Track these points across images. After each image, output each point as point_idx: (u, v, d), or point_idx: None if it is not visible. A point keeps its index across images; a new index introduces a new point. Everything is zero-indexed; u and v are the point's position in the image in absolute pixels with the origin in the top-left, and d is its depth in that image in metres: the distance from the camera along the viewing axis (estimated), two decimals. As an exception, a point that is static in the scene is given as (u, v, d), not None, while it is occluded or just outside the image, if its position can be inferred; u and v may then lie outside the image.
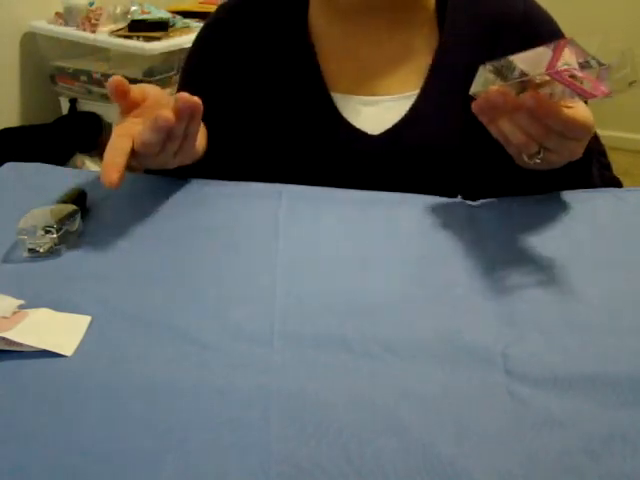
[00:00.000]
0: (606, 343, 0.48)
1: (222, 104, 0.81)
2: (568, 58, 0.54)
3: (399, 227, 0.63)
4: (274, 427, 0.41)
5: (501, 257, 0.58)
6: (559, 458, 0.39)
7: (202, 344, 0.48)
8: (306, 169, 0.76)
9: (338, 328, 0.50)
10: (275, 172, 0.75)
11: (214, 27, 0.84)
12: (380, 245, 0.60)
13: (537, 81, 0.57)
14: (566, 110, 0.57)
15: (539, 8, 0.79)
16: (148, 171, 0.81)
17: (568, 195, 0.68)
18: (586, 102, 0.60)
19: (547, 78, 0.56)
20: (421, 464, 0.39)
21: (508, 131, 0.60)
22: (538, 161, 0.62)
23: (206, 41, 0.85)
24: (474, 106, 0.61)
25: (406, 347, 0.48)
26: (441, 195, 0.69)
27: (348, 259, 0.58)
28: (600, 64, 0.54)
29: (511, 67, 0.59)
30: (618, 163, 0.83)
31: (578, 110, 0.59)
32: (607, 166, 0.81)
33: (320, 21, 0.80)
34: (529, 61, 0.57)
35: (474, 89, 0.63)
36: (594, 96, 0.54)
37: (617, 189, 0.75)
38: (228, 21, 0.82)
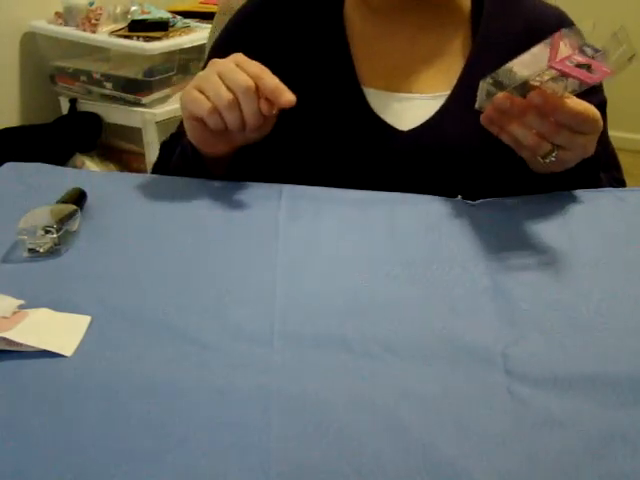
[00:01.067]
0: (606, 343, 0.48)
1: None
2: (564, 50, 0.55)
3: (399, 227, 0.63)
4: (274, 427, 0.41)
5: (501, 257, 0.58)
6: (559, 458, 0.39)
7: (202, 344, 0.48)
8: (332, 160, 0.76)
9: (338, 328, 0.50)
10: (302, 164, 0.75)
11: (247, 18, 0.83)
12: (380, 245, 0.60)
13: (537, 83, 0.57)
14: (572, 103, 0.58)
15: (570, 19, 0.80)
16: (155, 171, 0.81)
17: (568, 195, 0.68)
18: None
19: (546, 78, 0.56)
20: (421, 464, 0.39)
21: (520, 135, 0.61)
22: (553, 159, 0.62)
23: (236, 32, 0.84)
24: (483, 119, 0.62)
25: (406, 347, 0.48)
26: (441, 195, 0.69)
27: (348, 259, 0.58)
28: (595, 50, 0.55)
29: (511, 74, 0.60)
30: (618, 163, 0.84)
31: (584, 103, 0.59)
32: (621, 181, 0.81)
33: (355, 17, 0.80)
34: (527, 64, 0.58)
35: (479, 104, 0.64)
36: (599, 79, 0.55)
37: (617, 189, 0.75)
38: (262, 13, 0.82)
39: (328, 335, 0.49)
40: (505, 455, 0.39)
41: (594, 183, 0.72)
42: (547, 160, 0.62)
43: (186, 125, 0.69)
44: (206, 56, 0.88)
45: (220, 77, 0.64)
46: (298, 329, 0.50)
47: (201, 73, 0.67)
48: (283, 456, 0.39)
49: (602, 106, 0.80)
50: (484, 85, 0.62)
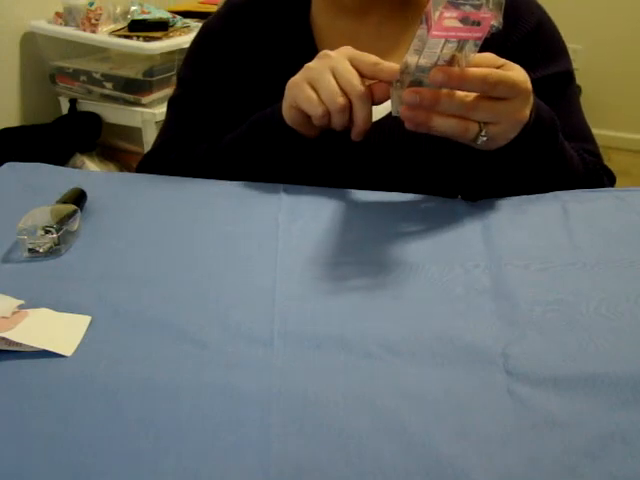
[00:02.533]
0: (606, 343, 0.48)
1: (225, 101, 0.81)
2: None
3: (399, 227, 0.63)
4: (274, 427, 0.41)
5: (501, 257, 0.58)
6: (559, 458, 0.39)
7: (202, 344, 0.48)
8: (304, 162, 0.76)
9: (338, 328, 0.50)
10: (273, 166, 0.75)
11: (217, 25, 0.85)
12: (380, 245, 0.60)
13: (442, 63, 0.56)
14: (475, 69, 0.56)
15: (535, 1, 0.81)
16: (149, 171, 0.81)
17: (568, 195, 0.68)
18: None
19: (447, 53, 0.55)
20: (421, 464, 0.39)
21: (442, 125, 0.59)
22: (484, 138, 0.60)
23: (208, 39, 0.85)
24: (407, 126, 0.60)
25: (406, 347, 0.48)
26: (441, 195, 0.69)
27: (348, 259, 0.58)
28: (474, 5, 0.53)
29: (408, 67, 0.58)
30: (618, 163, 0.84)
31: (500, 69, 0.58)
32: (593, 153, 0.80)
33: (322, 18, 0.81)
34: (418, 50, 0.56)
35: (394, 111, 0.62)
36: (485, 28, 0.53)
37: (617, 189, 0.75)
38: (230, 19, 0.83)
39: (328, 335, 0.49)
40: (505, 455, 0.39)
41: (558, 151, 0.70)
42: (479, 142, 0.60)
43: (288, 112, 0.68)
44: (183, 60, 0.88)
45: (334, 75, 0.63)
46: (298, 329, 0.50)
47: (313, 65, 0.65)
48: (283, 456, 0.39)
49: (565, 75, 0.80)
50: (393, 92, 0.61)
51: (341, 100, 0.62)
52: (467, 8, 0.52)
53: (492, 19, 0.52)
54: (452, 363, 0.46)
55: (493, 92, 0.58)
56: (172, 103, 0.88)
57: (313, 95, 0.64)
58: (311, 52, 0.79)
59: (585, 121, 0.82)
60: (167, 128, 0.88)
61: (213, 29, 0.85)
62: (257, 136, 0.74)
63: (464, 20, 0.52)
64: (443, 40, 0.54)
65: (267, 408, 0.42)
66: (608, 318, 0.51)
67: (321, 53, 0.66)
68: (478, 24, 0.53)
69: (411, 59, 0.57)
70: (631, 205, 0.67)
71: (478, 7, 0.52)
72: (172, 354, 0.47)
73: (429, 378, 0.45)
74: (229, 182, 0.72)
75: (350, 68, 0.63)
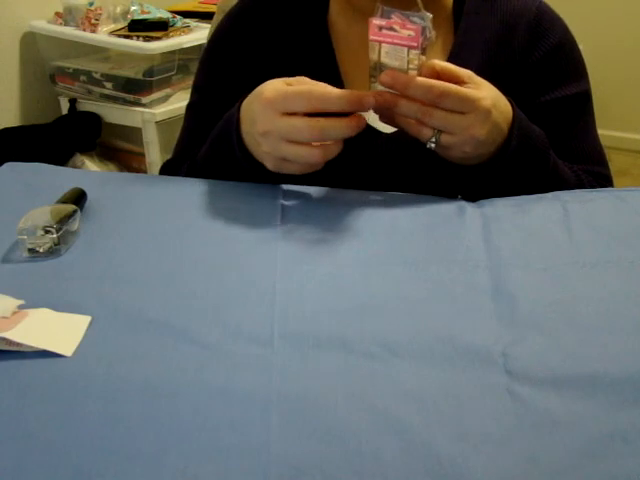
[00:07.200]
0: (606, 343, 0.48)
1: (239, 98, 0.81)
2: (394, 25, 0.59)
3: (399, 227, 0.63)
4: (274, 428, 0.41)
5: (501, 257, 0.58)
6: (559, 458, 0.39)
7: (202, 344, 0.48)
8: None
9: (338, 328, 0.50)
10: (258, 178, 0.75)
11: (228, 27, 0.84)
12: (380, 245, 0.60)
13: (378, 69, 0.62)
14: (422, 78, 0.60)
15: (550, 8, 0.82)
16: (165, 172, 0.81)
17: (568, 195, 0.68)
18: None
19: (386, 59, 0.60)
20: (421, 464, 0.39)
21: (402, 123, 0.64)
22: (433, 144, 0.63)
23: (220, 42, 0.84)
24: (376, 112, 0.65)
25: (406, 347, 0.48)
26: (441, 195, 0.69)
27: (348, 259, 0.58)
28: (421, 17, 0.58)
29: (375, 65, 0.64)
30: (618, 163, 0.84)
31: (465, 85, 0.62)
32: (604, 176, 0.81)
33: (339, 20, 0.80)
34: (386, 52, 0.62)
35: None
36: (414, 39, 0.58)
37: (617, 189, 0.75)
38: (243, 20, 0.82)
39: (328, 335, 0.49)
40: (505, 455, 0.40)
41: (550, 174, 0.71)
42: (428, 146, 0.64)
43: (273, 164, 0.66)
44: (202, 55, 0.88)
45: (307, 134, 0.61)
46: (298, 329, 0.50)
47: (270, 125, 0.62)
48: (283, 457, 0.39)
49: (584, 96, 0.81)
50: (370, 86, 0.64)
51: (317, 155, 0.62)
52: (416, 19, 0.58)
53: (418, 30, 0.58)
54: (452, 363, 0.46)
55: (440, 102, 0.61)
56: (188, 110, 0.87)
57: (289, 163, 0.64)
58: (329, 55, 0.79)
59: (599, 143, 0.82)
60: (183, 137, 0.88)
61: (224, 31, 0.84)
62: (224, 163, 0.72)
63: (396, 28, 0.58)
64: (377, 44, 0.60)
65: (267, 408, 0.42)
66: (608, 318, 0.51)
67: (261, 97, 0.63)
68: (412, 34, 0.58)
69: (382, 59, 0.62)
70: (631, 205, 0.67)
71: (421, 18, 0.58)
72: (172, 354, 0.47)
73: (429, 378, 0.45)
74: (229, 182, 0.72)
75: (313, 127, 0.61)
